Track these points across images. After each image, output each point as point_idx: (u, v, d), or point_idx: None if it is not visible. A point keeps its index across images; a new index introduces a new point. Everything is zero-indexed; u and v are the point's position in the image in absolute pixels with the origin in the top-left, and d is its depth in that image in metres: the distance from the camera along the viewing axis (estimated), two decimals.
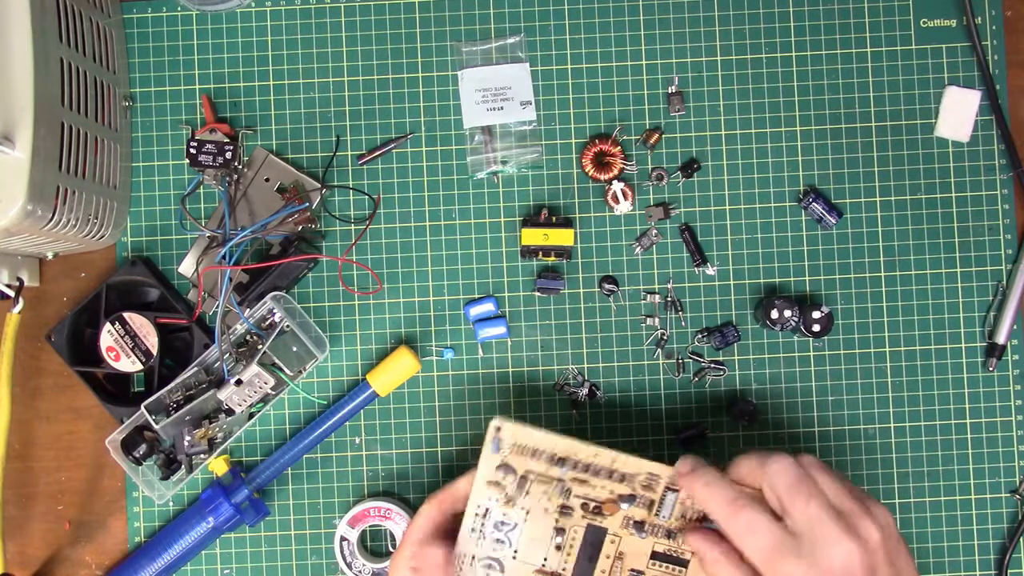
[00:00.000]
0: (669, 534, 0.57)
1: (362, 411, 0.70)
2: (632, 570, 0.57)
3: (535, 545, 0.57)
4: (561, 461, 0.57)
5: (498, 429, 0.57)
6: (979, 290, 0.70)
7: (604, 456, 0.57)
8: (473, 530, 0.57)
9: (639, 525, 0.57)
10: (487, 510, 0.57)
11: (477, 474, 0.57)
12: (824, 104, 0.71)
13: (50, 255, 0.69)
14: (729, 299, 0.70)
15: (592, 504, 0.57)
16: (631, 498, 0.57)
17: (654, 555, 0.57)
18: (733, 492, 0.53)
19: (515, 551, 0.57)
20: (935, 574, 0.69)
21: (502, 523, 0.57)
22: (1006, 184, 0.70)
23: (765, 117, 0.71)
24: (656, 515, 0.57)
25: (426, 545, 0.58)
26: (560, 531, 0.57)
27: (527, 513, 0.57)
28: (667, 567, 0.57)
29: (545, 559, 0.57)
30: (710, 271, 0.70)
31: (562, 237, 0.68)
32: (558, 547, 0.57)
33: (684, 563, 0.57)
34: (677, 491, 0.57)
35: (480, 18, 0.71)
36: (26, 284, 0.68)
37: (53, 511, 0.71)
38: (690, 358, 0.70)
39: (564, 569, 0.57)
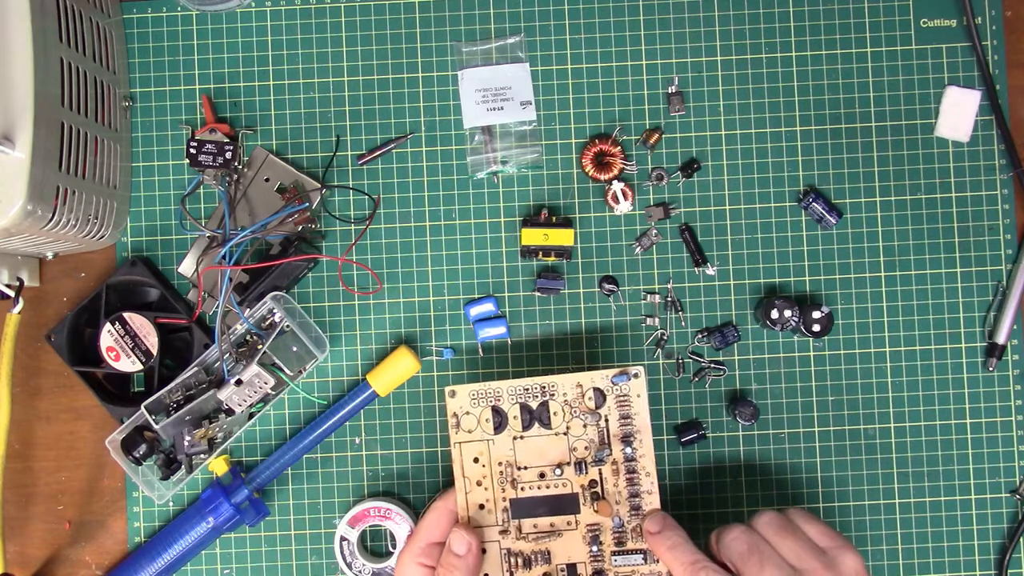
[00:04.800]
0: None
1: (362, 411, 0.70)
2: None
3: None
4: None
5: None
6: (979, 290, 0.70)
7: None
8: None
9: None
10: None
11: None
12: (824, 104, 0.71)
13: (50, 255, 0.69)
14: (729, 299, 0.70)
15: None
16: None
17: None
18: (694, 556, 0.55)
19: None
20: (935, 574, 0.69)
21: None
22: (1006, 184, 0.70)
23: (765, 117, 0.71)
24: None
25: (435, 544, 0.60)
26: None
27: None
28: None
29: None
30: (710, 271, 0.70)
31: (562, 237, 0.68)
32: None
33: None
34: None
35: (480, 18, 0.71)
36: (26, 284, 0.68)
37: (53, 511, 0.71)
38: (690, 358, 0.70)
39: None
